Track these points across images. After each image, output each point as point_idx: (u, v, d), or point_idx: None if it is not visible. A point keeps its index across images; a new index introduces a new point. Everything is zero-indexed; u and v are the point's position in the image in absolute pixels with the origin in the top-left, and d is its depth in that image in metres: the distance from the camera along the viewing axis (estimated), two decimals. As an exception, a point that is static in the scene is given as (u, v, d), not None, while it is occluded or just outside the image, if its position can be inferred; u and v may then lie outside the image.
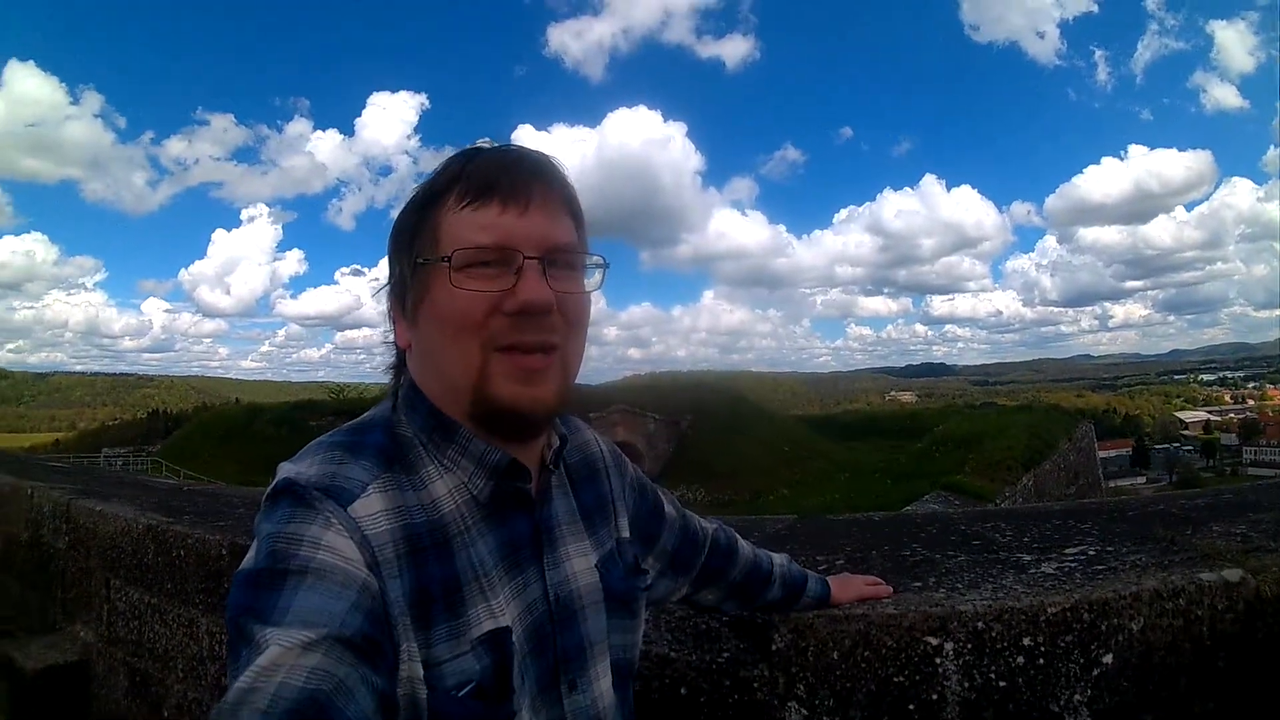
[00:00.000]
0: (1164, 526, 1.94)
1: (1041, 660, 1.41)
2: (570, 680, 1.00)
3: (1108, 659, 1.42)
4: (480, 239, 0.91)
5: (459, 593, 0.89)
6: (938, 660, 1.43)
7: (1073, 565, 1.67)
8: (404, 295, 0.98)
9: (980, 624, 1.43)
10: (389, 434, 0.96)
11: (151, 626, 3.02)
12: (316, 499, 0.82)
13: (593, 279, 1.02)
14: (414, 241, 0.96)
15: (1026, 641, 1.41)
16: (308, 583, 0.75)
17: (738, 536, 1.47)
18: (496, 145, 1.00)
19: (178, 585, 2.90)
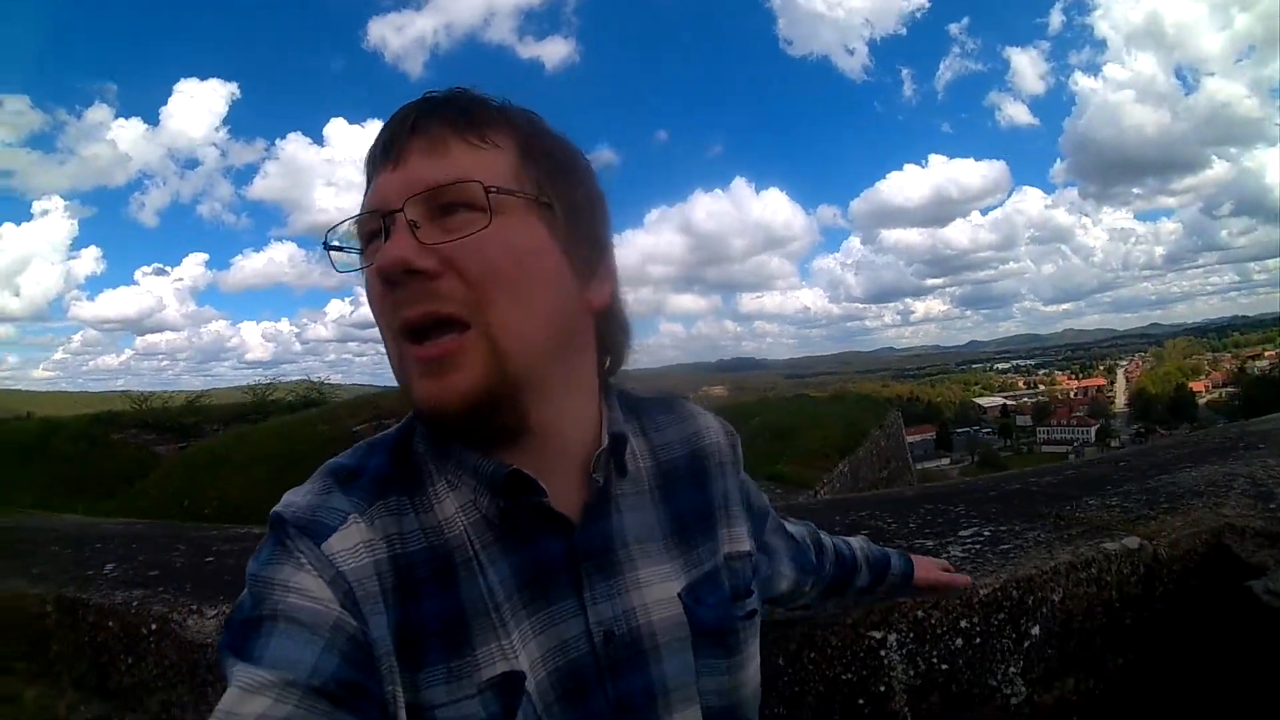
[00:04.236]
0: (1045, 505, 2.15)
1: (978, 640, 1.55)
2: None
3: (1035, 630, 1.58)
4: (363, 207, 0.81)
5: (464, 628, 0.78)
6: (883, 653, 1.53)
7: (979, 547, 1.83)
8: None
9: (920, 613, 1.55)
10: (397, 453, 0.87)
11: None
12: (292, 537, 0.76)
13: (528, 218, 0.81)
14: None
15: (964, 624, 1.55)
16: (279, 628, 0.71)
17: (815, 527, 1.33)
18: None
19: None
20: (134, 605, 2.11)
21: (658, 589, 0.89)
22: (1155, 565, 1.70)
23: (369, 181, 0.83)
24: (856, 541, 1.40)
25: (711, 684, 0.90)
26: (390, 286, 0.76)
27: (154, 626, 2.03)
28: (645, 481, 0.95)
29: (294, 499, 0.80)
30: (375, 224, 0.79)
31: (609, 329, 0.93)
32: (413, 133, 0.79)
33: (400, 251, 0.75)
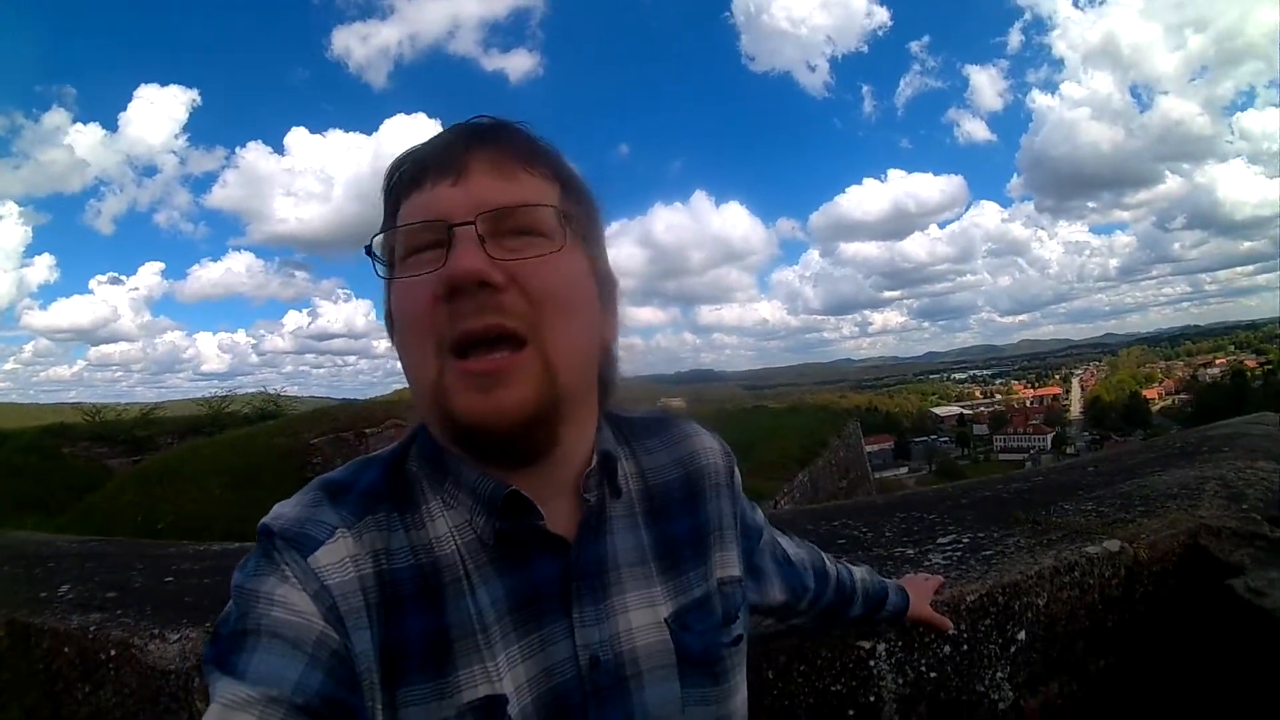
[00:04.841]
0: (1021, 510, 2.16)
1: (966, 646, 1.55)
2: None
3: (1021, 635, 1.58)
4: (410, 220, 0.81)
5: (447, 648, 0.78)
6: (871, 663, 1.52)
7: (959, 554, 1.83)
8: (386, 311, 0.88)
9: (907, 621, 1.52)
10: (392, 469, 0.87)
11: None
12: (279, 549, 0.77)
13: (581, 245, 0.85)
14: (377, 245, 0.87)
15: (951, 631, 1.53)
16: (263, 643, 0.71)
17: (819, 551, 1.31)
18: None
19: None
20: (91, 630, 2.02)
21: (644, 613, 0.89)
22: (1136, 567, 1.72)
23: (404, 194, 0.83)
24: (860, 572, 1.39)
25: (698, 714, 0.90)
26: (452, 297, 0.77)
27: (113, 652, 1.95)
28: (634, 504, 0.95)
29: (283, 510, 0.81)
30: (428, 236, 0.80)
31: (606, 361, 0.93)
32: (474, 152, 0.82)
33: (474, 263, 0.76)
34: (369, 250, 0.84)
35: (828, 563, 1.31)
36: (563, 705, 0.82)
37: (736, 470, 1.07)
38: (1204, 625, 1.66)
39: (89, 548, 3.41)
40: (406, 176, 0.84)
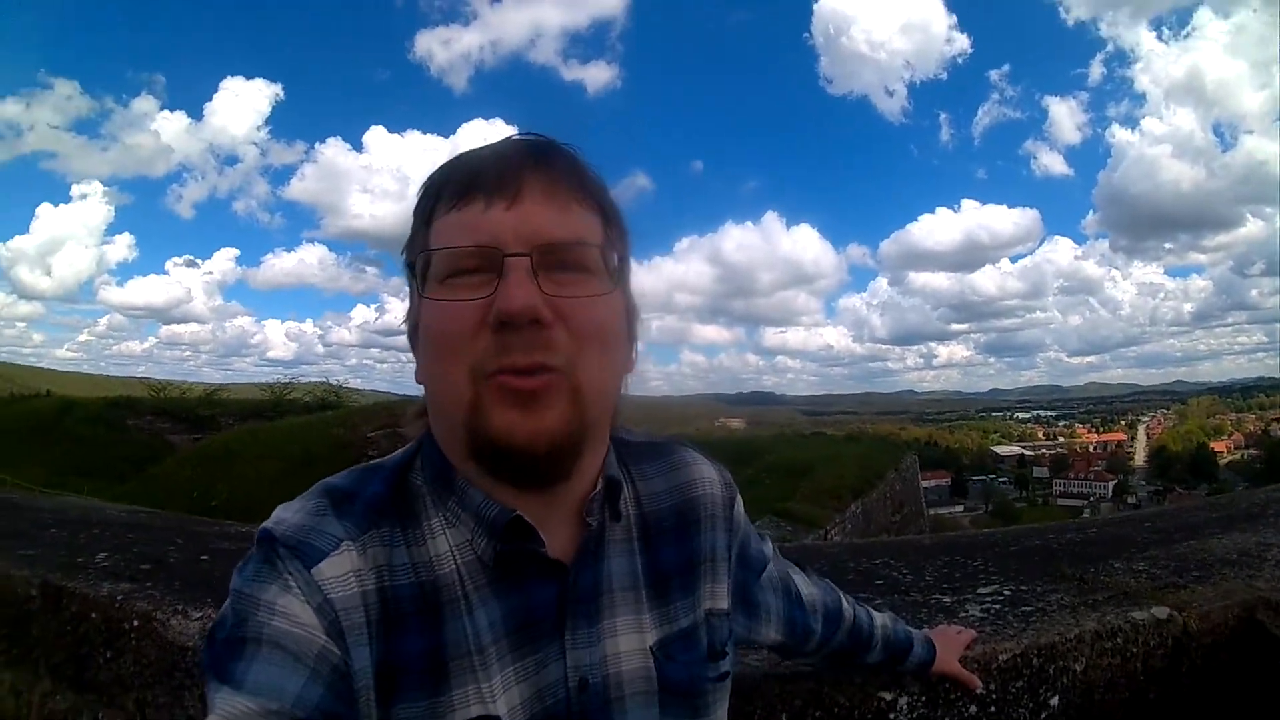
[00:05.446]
0: (1069, 565, 2.06)
1: (994, 708, 1.47)
2: None
3: (1054, 701, 1.50)
4: (459, 240, 0.79)
5: (442, 668, 0.78)
6: (891, 716, 1.45)
7: (998, 607, 1.75)
8: (411, 320, 0.87)
9: (933, 676, 1.45)
10: (396, 481, 0.86)
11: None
12: (282, 557, 0.76)
13: (618, 284, 0.85)
14: (410, 256, 0.86)
15: (980, 690, 1.45)
16: (263, 653, 0.71)
17: (839, 593, 1.29)
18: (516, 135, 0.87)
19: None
20: (119, 599, 2.06)
21: (632, 639, 0.90)
22: (1184, 638, 1.62)
23: (449, 206, 0.81)
24: (882, 618, 1.36)
25: None
26: (503, 329, 0.76)
27: (136, 623, 1.99)
28: (631, 529, 0.95)
29: (285, 516, 0.80)
30: (475, 260, 0.79)
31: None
32: (527, 175, 0.80)
33: (531, 299, 0.75)
34: (410, 265, 0.84)
35: (845, 604, 1.28)
36: None
37: (738, 501, 1.07)
38: (1256, 708, 1.56)
39: (135, 518, 3.49)
40: (454, 189, 0.81)
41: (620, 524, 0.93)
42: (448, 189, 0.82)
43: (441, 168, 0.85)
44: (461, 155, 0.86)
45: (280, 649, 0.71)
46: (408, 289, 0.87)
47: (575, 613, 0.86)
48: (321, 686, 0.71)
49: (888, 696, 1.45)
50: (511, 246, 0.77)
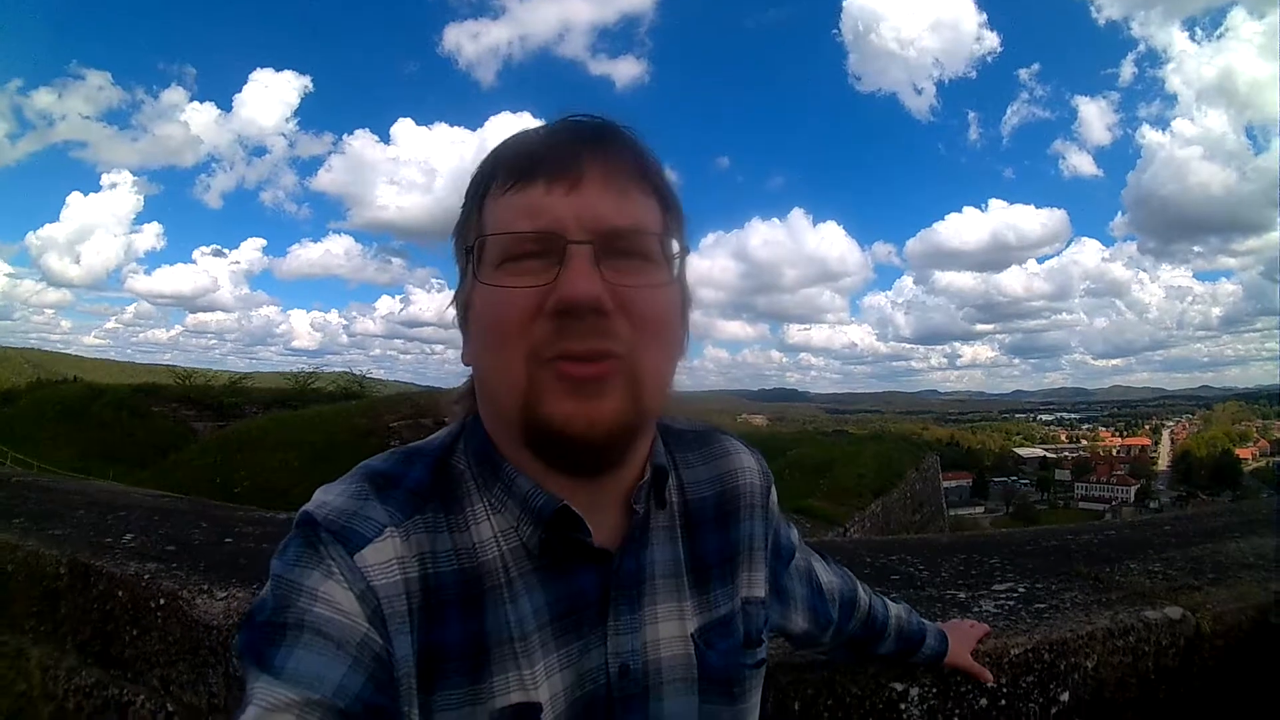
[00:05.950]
0: (1084, 564, 2.07)
1: (1004, 701, 1.48)
2: None
3: (1064, 697, 1.51)
4: (518, 224, 0.77)
5: (484, 655, 0.78)
6: (902, 706, 1.47)
7: (1012, 604, 1.76)
8: (461, 302, 0.86)
9: (945, 668, 1.46)
10: (438, 465, 0.84)
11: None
12: (324, 542, 0.75)
13: (676, 273, 0.84)
14: (462, 238, 0.85)
15: (990, 683, 1.47)
16: (304, 640, 0.69)
17: (855, 581, 1.29)
18: (569, 116, 0.85)
19: (2, 607, 2.57)
20: (145, 578, 2.10)
21: (673, 625, 0.89)
22: (1197, 639, 1.62)
23: (505, 188, 0.80)
24: (896, 609, 1.37)
25: None
26: (568, 317, 0.74)
27: (162, 602, 2.02)
28: (675, 517, 0.94)
29: (327, 499, 0.78)
30: (533, 245, 0.77)
31: None
32: (588, 158, 0.78)
33: (595, 288, 0.74)
34: (468, 249, 0.82)
35: (860, 592, 1.28)
36: (592, 714, 0.82)
37: (773, 490, 1.06)
38: (1268, 709, 1.56)
39: (160, 502, 3.53)
40: (510, 171, 0.80)
41: (664, 511, 0.93)
42: (503, 170, 0.81)
43: (496, 149, 0.85)
44: (516, 135, 0.85)
45: (322, 636, 0.70)
46: (458, 269, 0.87)
47: (618, 599, 0.85)
48: (363, 676, 0.69)
49: (899, 687, 1.46)
50: (574, 233, 0.76)
